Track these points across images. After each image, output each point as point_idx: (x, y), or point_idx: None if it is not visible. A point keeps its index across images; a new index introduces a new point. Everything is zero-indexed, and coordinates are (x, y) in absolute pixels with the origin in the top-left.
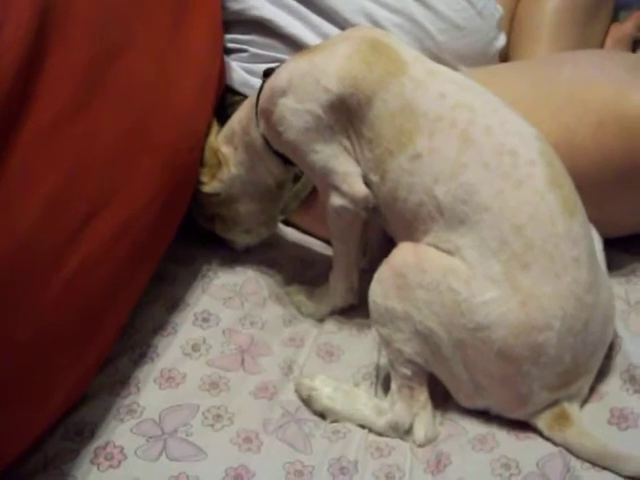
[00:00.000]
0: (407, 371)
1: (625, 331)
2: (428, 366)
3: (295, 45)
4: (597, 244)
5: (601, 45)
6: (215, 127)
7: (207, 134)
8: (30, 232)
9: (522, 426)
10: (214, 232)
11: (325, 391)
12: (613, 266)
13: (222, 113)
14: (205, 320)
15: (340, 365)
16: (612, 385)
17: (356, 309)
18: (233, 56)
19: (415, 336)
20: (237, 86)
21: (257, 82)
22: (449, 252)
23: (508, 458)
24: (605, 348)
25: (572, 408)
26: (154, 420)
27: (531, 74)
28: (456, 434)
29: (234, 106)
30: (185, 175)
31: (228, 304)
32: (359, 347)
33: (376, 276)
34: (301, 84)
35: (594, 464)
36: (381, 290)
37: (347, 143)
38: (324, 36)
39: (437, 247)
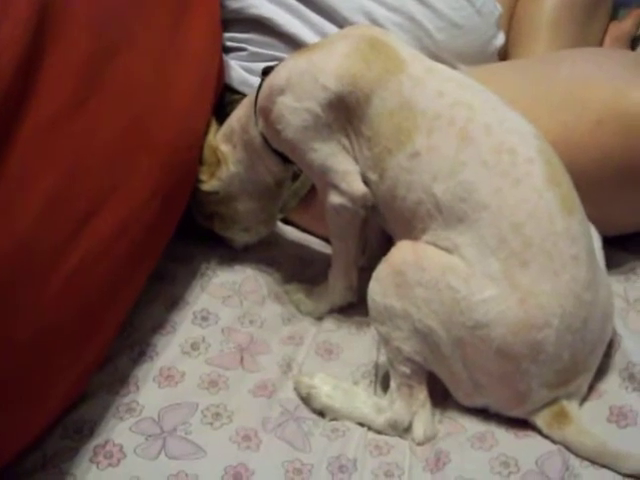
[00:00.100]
0: (406, 369)
1: (624, 329)
2: (427, 364)
3: (294, 43)
4: (596, 242)
5: (600, 43)
6: (214, 125)
7: (206, 132)
8: (29, 231)
9: (521, 424)
10: (213, 230)
11: (324, 389)
12: (612, 264)
13: (221, 112)
14: (204, 319)
15: (339, 363)
16: (611, 383)
17: (355, 307)
18: (232, 55)
19: (414, 334)
20: (236, 85)
21: (256, 81)
22: (448, 250)
23: (507, 456)
24: (604, 346)
25: (571, 406)
26: (153, 418)
27: (530, 72)
28: (455, 432)
29: (233, 105)
30: (184, 173)
31: (227, 303)
32: (358, 345)
33: (375, 274)
34: (300, 82)
35: (593, 462)
36: (380, 288)
37: (346, 141)
38: (323, 34)
39: (436, 245)
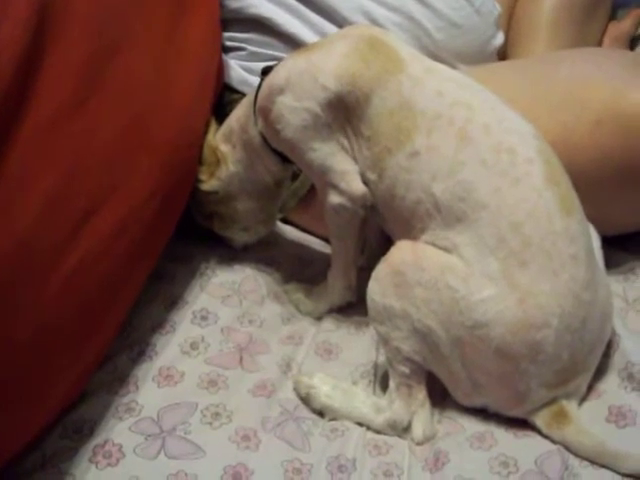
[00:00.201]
0: (405, 369)
1: (623, 329)
2: (426, 364)
3: (293, 43)
4: (595, 242)
5: (599, 43)
6: (213, 125)
7: (205, 132)
8: (29, 230)
9: (520, 424)
10: (212, 230)
11: (323, 389)
12: (611, 264)
13: (220, 111)
14: (203, 318)
15: (338, 363)
16: (610, 383)
17: (354, 307)
18: (231, 54)
19: (413, 334)
20: (235, 84)
21: (255, 80)
22: (447, 250)
23: (506, 456)
24: (603, 346)
25: (570, 406)
26: (152, 418)
27: (529, 72)
28: (454, 432)
29: (232, 104)
30: (184, 173)
31: (226, 302)
32: (357, 345)
33: (374, 274)
34: (299, 82)
35: (592, 462)
36: (379, 288)
37: (345, 141)
38: (322, 34)
39: (435, 245)
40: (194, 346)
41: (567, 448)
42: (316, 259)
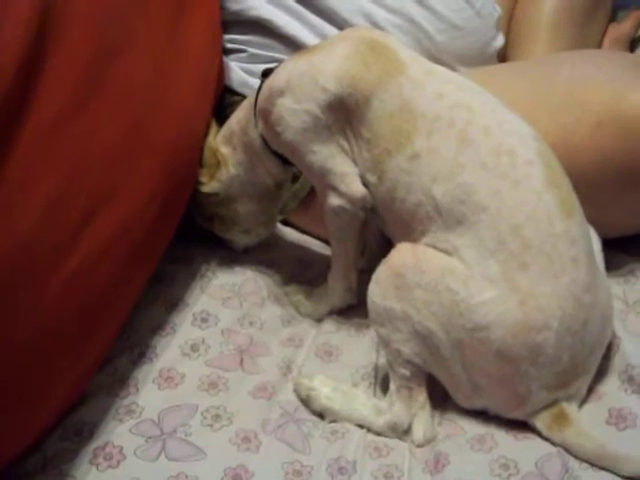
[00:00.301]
0: (406, 371)
1: (623, 331)
2: (427, 366)
3: (294, 45)
4: (595, 244)
5: (599, 45)
6: (214, 127)
7: (206, 134)
8: (30, 232)
9: (521, 426)
10: (213, 232)
11: (324, 391)
12: (611, 266)
13: (221, 113)
14: (204, 320)
15: (339, 365)
16: (610, 385)
17: (355, 309)
18: (232, 56)
19: (414, 336)
20: (236, 86)
21: (256, 82)
22: (447, 252)
23: (507, 458)
24: (603, 348)
25: (570, 408)
26: (153, 420)
27: (529, 74)
28: (455, 434)
29: (233, 106)
30: (184, 175)
31: (227, 304)
32: (358, 347)
33: (374, 276)
34: (299, 84)
35: (592, 464)
36: (380, 290)
37: (345, 143)
38: (323, 36)
39: (435, 247)
40: (194, 348)
41: (567, 450)
42: (316, 261)
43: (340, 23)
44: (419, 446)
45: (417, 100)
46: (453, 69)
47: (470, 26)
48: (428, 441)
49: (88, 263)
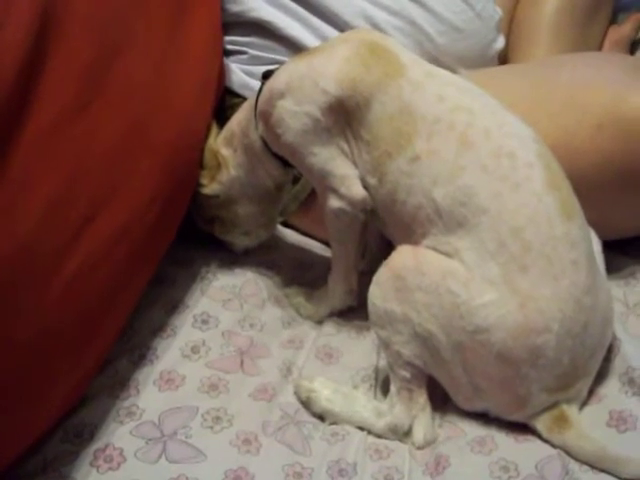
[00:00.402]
0: (406, 373)
1: (624, 333)
2: (427, 368)
3: (294, 47)
4: (596, 246)
5: (599, 47)
6: (214, 129)
7: (207, 136)
8: (31, 234)
9: (521, 428)
10: (213, 234)
11: (324, 393)
12: (612, 268)
13: (221, 115)
14: (204, 322)
15: (339, 367)
16: (611, 387)
17: (355, 311)
18: (232, 58)
19: (414, 338)
20: (236, 88)
21: (256, 84)
22: (448, 254)
23: (507, 460)
24: (604, 350)
25: (571, 410)
26: (153, 422)
27: (530, 76)
28: (455, 436)
29: (233, 108)
30: (185, 176)
31: (227, 306)
32: (358, 349)
33: (375, 278)
34: (300, 86)
35: (593, 466)
36: (380, 292)
37: (345, 146)
38: (323, 38)
39: (436, 249)
40: (195, 350)
41: (567, 453)
42: (317, 263)
43: (341, 25)
44: (419, 448)
45: (417, 102)
46: (454, 71)
47: (471, 28)
48: (428, 443)
49: (88, 264)
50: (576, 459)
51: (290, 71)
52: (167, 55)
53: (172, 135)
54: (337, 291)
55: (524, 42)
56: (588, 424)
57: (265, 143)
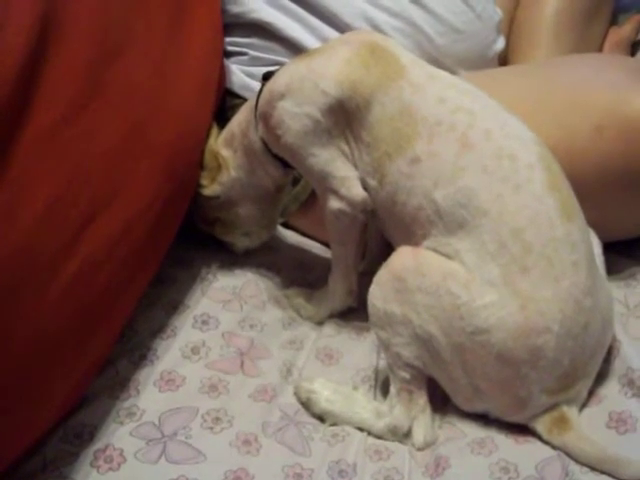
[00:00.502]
0: (406, 374)
1: (624, 335)
2: (427, 369)
3: (295, 48)
4: (596, 248)
5: (600, 49)
6: (215, 130)
7: (207, 137)
8: (31, 236)
9: (521, 430)
10: (214, 235)
11: (324, 394)
12: (612, 270)
13: (222, 116)
14: (204, 323)
15: (339, 368)
16: (611, 389)
17: (355, 312)
18: (233, 59)
19: (414, 340)
20: (237, 89)
21: (257, 85)
22: (448, 256)
23: (507, 462)
24: (604, 352)
25: (571, 412)
26: (154, 423)
27: (530, 78)
28: (455, 437)
29: (234, 109)
30: (185, 177)
31: (227, 307)
32: (358, 350)
33: (375, 279)
34: (300, 88)
35: (593, 468)
36: (380, 293)
37: (345, 147)
38: (324, 39)
39: (436, 251)
40: (195, 351)
41: (567, 454)
42: (317, 264)
43: (341, 26)
44: (419, 449)
45: (418, 104)
46: (454, 72)
47: (471, 29)
48: (428, 444)
49: (89, 265)
50: (576, 460)
51: (290, 72)
52: (167, 56)
53: (172, 136)
54: (337, 292)
55: (524, 43)
56: (588, 425)
57: (265, 144)
